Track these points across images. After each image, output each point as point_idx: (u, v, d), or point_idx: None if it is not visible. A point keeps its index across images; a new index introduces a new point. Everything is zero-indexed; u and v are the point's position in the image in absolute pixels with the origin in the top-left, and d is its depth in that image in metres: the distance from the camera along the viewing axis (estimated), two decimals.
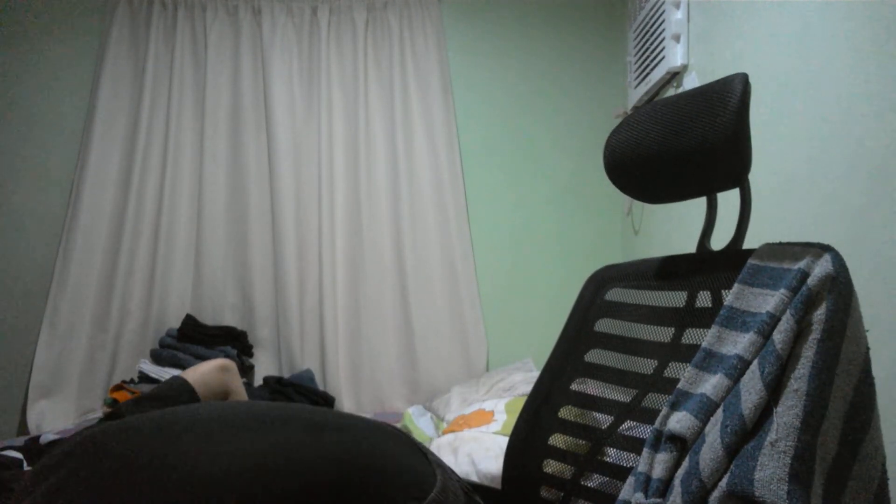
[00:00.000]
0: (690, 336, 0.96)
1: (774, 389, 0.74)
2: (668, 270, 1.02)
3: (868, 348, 0.76)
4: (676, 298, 1.00)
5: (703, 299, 0.96)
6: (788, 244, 0.85)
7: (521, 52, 3.29)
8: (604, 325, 1.08)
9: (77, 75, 3.20)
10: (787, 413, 0.71)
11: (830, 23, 1.42)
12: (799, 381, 0.72)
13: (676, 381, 0.92)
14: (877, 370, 1.22)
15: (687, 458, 0.76)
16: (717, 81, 0.92)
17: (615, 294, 1.08)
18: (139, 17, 3.22)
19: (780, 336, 0.76)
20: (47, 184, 3.15)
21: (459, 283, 3.10)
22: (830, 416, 0.71)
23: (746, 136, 0.87)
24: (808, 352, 0.73)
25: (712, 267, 0.96)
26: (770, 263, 0.84)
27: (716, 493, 0.72)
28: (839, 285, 0.76)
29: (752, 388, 0.76)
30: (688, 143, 0.92)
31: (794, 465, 0.68)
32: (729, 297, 0.86)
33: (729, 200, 1.91)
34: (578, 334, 1.10)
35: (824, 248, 0.80)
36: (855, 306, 0.76)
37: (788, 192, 1.60)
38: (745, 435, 0.73)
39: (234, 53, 3.23)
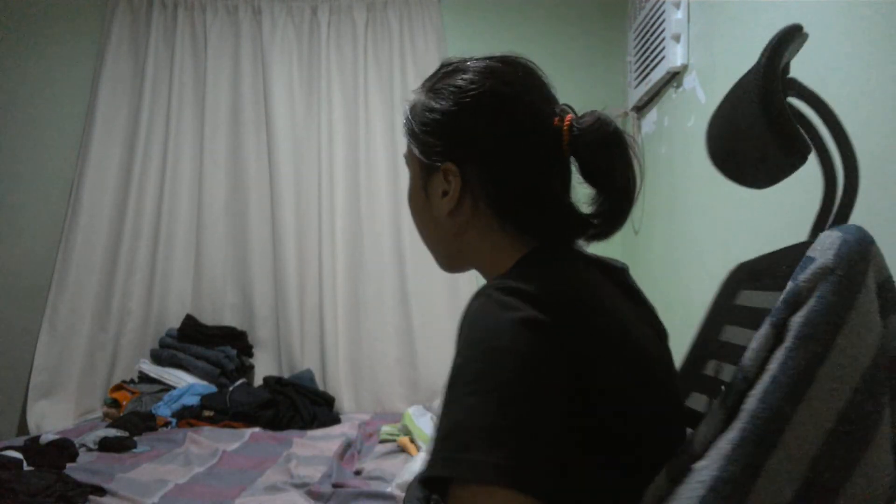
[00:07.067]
0: None
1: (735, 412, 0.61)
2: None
3: (874, 363, 0.59)
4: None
5: None
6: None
7: (521, 51, 3.26)
8: (730, 334, 0.90)
9: (77, 75, 3.19)
10: (724, 437, 0.59)
11: (830, 22, 1.42)
12: (750, 399, 0.59)
13: None
14: None
15: None
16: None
17: (746, 298, 0.89)
18: (139, 16, 3.22)
19: (752, 347, 0.63)
20: (47, 184, 3.15)
21: (459, 283, 3.10)
22: (788, 446, 0.57)
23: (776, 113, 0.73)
24: (772, 364, 0.60)
25: None
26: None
27: None
28: (837, 279, 0.60)
29: (710, 418, 0.63)
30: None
31: (707, 497, 0.56)
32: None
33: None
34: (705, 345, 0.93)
35: (844, 230, 0.63)
36: (863, 306, 0.59)
37: (789, 191, 1.60)
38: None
39: (234, 53, 3.23)
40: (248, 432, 2.48)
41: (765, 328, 0.62)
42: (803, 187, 1.55)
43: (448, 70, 0.81)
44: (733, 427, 0.58)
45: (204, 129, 3.18)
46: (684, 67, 2.30)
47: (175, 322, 3.09)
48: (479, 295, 0.66)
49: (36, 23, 3.18)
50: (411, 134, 0.81)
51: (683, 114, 2.33)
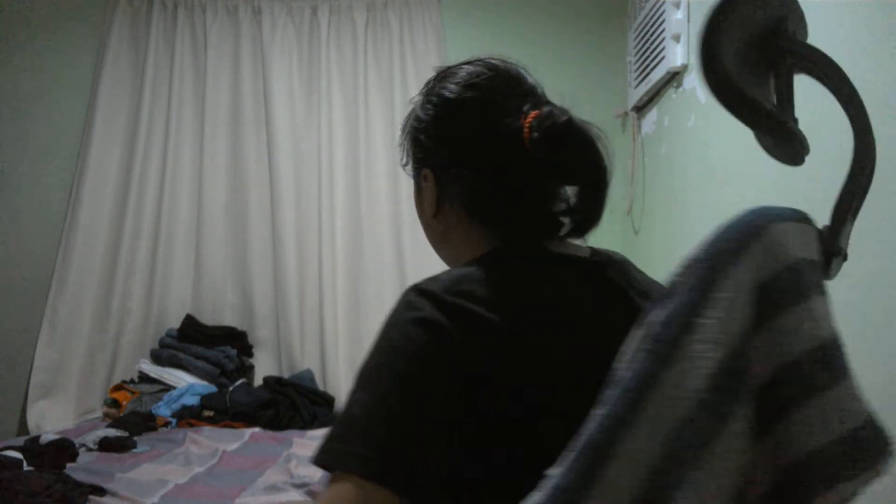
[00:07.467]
0: None
1: None
2: None
3: (728, 371, 0.53)
4: None
5: None
6: None
7: (521, 52, 3.25)
8: None
9: (77, 75, 3.19)
10: (575, 444, 0.54)
11: (830, 23, 1.42)
12: (601, 404, 0.54)
13: None
14: (874, 369, 1.22)
15: None
16: None
17: None
18: (139, 17, 3.22)
19: (625, 349, 0.57)
20: (47, 184, 3.15)
21: None
22: (626, 457, 0.51)
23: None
24: (625, 368, 0.54)
25: None
26: None
27: None
28: (701, 272, 0.55)
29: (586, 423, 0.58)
30: None
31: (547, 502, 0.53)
32: None
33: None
34: None
35: (749, 210, 0.59)
36: (722, 303, 0.53)
37: (789, 189, 1.60)
38: None
39: (234, 53, 3.23)
40: (248, 432, 2.48)
41: (636, 331, 0.56)
42: (804, 185, 1.55)
43: (435, 77, 0.84)
44: (585, 433, 0.53)
45: (204, 129, 3.18)
46: (684, 67, 2.30)
47: (175, 322, 3.09)
48: (402, 294, 0.69)
49: (36, 23, 3.18)
50: (400, 143, 0.86)
51: (683, 114, 2.33)
